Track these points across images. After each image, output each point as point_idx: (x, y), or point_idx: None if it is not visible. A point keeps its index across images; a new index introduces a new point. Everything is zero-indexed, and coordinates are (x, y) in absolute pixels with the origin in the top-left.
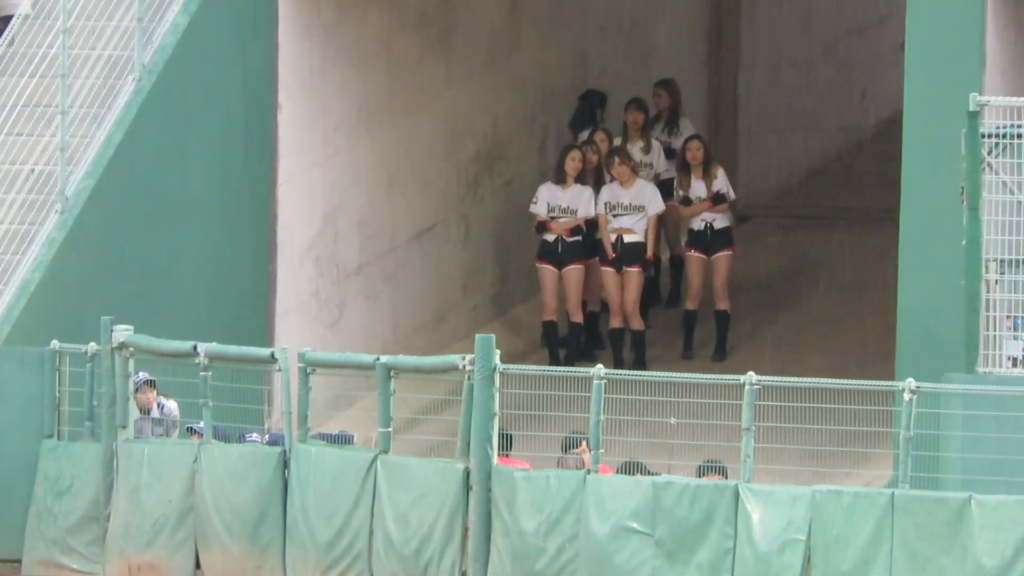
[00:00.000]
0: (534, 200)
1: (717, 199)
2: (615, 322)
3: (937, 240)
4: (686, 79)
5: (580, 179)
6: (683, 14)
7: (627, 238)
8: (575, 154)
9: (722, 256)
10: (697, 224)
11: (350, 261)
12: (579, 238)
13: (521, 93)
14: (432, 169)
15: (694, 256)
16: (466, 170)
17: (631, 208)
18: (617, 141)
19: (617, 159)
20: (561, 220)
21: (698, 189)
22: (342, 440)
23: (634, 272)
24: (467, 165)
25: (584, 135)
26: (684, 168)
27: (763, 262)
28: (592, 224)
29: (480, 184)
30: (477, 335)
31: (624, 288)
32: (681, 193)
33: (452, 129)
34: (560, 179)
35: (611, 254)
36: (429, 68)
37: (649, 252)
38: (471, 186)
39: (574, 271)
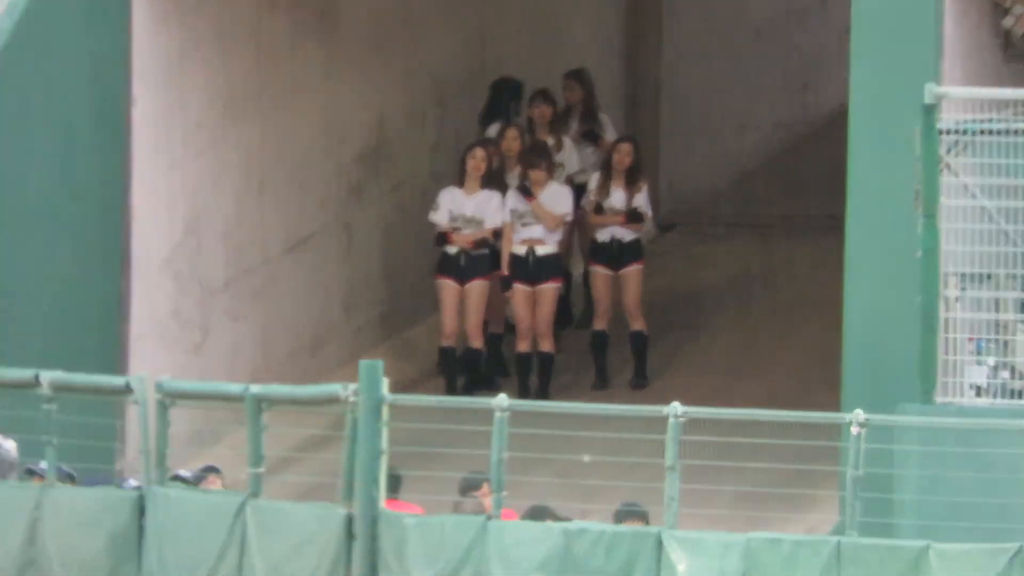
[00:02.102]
0: (434, 207)
1: (632, 217)
2: (522, 346)
3: (888, 251)
4: (601, 70)
5: (486, 182)
6: None
7: (540, 250)
8: (478, 153)
9: (631, 271)
10: (602, 235)
11: (215, 276)
12: (485, 251)
13: (412, 84)
14: (309, 171)
15: (598, 271)
16: (349, 172)
17: (542, 213)
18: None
19: (542, 161)
20: (465, 231)
21: (616, 199)
22: (204, 475)
23: (548, 288)
24: (350, 166)
25: (493, 130)
26: (606, 171)
27: (689, 276)
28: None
29: (365, 188)
30: (362, 361)
31: (536, 306)
32: (594, 199)
33: (332, 125)
34: (463, 183)
35: (504, 270)
36: (305, 55)
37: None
38: (354, 190)
39: (478, 287)
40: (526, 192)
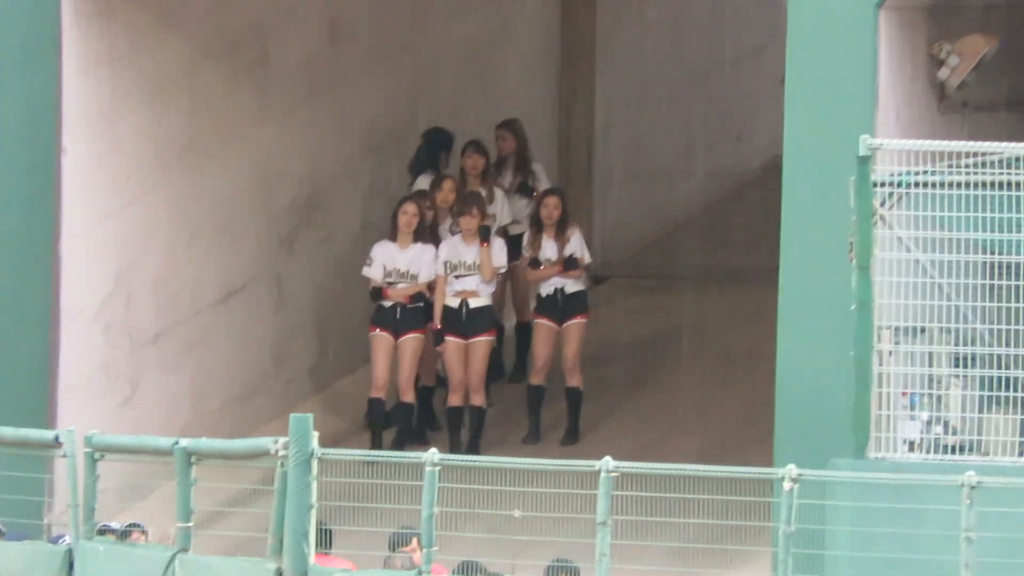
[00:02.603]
0: (368, 262)
1: (569, 264)
2: (454, 399)
3: (822, 304)
4: (535, 119)
5: (419, 235)
6: (531, 45)
7: (473, 302)
8: (408, 208)
9: (574, 324)
10: (546, 289)
11: (145, 328)
12: (420, 304)
13: (344, 133)
14: (241, 221)
15: (543, 324)
16: (280, 222)
17: (476, 267)
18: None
19: (475, 209)
20: (400, 286)
21: (549, 250)
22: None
23: (481, 342)
24: (282, 216)
25: (423, 181)
26: (536, 225)
27: (622, 329)
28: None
29: (297, 239)
30: (292, 414)
31: (469, 360)
32: (529, 254)
33: (264, 174)
34: (395, 237)
35: (437, 323)
36: (238, 103)
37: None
38: (286, 241)
39: (412, 341)
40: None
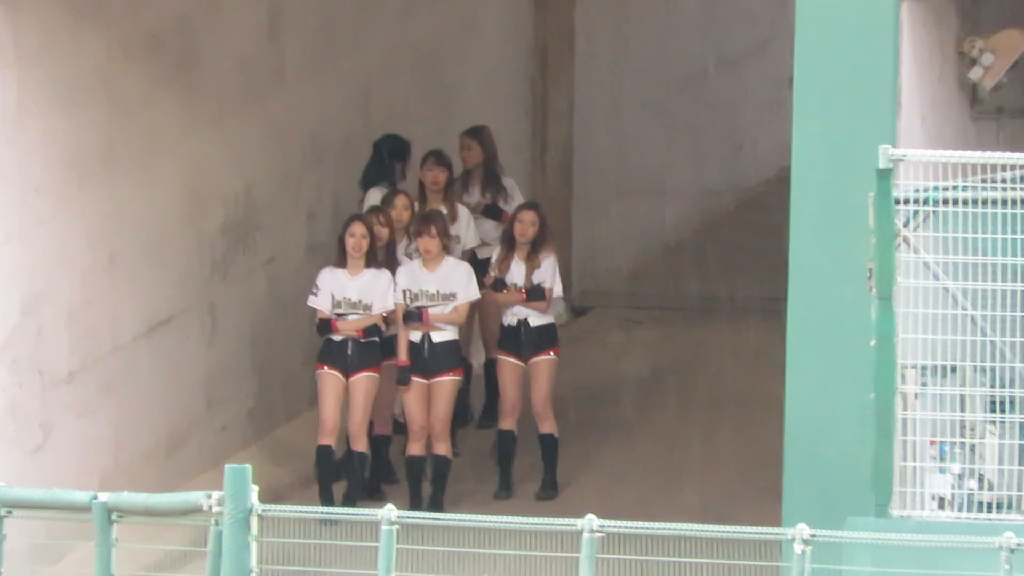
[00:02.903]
0: (313, 290)
1: (533, 293)
2: (414, 448)
3: (837, 339)
4: (505, 127)
5: (371, 260)
6: (499, 42)
7: (436, 336)
8: (356, 230)
9: (541, 362)
10: (509, 318)
11: (58, 366)
12: (375, 339)
13: (285, 143)
14: (167, 243)
15: (505, 361)
16: (213, 244)
17: (439, 297)
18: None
19: (434, 228)
20: (351, 318)
21: (517, 274)
22: None
23: (446, 381)
24: (214, 238)
25: (375, 196)
26: (508, 241)
27: (606, 367)
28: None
29: (231, 263)
30: (227, 465)
31: (432, 402)
32: (494, 274)
33: (194, 190)
34: (344, 262)
35: (403, 359)
36: (163, 109)
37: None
38: (219, 266)
39: (365, 381)
40: (500, 287)
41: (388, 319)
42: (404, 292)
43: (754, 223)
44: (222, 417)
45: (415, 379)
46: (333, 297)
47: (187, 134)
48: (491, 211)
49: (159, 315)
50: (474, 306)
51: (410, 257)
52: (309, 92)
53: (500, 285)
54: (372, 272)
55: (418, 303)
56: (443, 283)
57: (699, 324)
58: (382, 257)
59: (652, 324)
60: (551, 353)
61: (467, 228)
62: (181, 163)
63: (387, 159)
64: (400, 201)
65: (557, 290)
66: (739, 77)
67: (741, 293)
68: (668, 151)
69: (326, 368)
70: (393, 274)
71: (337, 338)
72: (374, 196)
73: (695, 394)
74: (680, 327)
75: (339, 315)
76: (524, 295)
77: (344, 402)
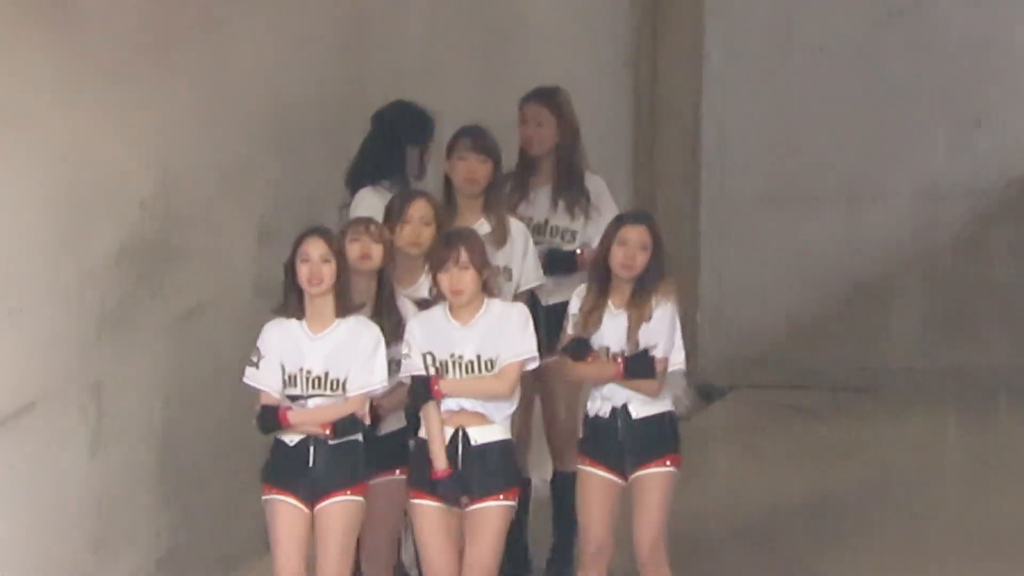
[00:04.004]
0: (252, 358)
1: (639, 364)
2: None
3: None
4: (588, 95)
5: (343, 301)
6: None
7: (475, 433)
8: (313, 249)
9: (651, 477)
10: (597, 404)
11: None
12: (357, 437)
13: (220, 117)
14: (26, 282)
15: (590, 474)
16: (100, 284)
17: (481, 365)
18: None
19: (467, 254)
20: (313, 403)
21: (612, 332)
22: None
23: (492, 509)
24: (102, 273)
25: (370, 201)
26: (599, 279)
27: (757, 489)
28: (404, 400)
29: (131, 315)
30: None
31: (469, 544)
32: (573, 332)
33: (71, 194)
34: (301, 309)
35: (440, 466)
36: (31, 68)
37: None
38: (110, 319)
39: (341, 509)
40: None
41: (379, 404)
42: (425, 356)
43: (1002, 244)
44: (117, 568)
45: (435, 504)
46: (284, 369)
47: (66, 105)
48: (557, 259)
49: (18, 398)
50: (534, 380)
51: (426, 301)
52: (262, 34)
53: (583, 349)
54: (349, 324)
55: (446, 375)
56: (485, 342)
57: (914, 413)
58: (368, 297)
59: (833, 414)
60: (667, 463)
61: (524, 255)
62: (50, 149)
63: (395, 142)
64: (419, 210)
65: (677, 358)
66: (982, 10)
67: (984, 361)
68: (859, 129)
69: (276, 492)
70: (390, 323)
71: (291, 439)
72: (369, 202)
73: (912, 532)
74: (881, 418)
75: (293, 399)
76: (623, 366)
77: (311, 543)
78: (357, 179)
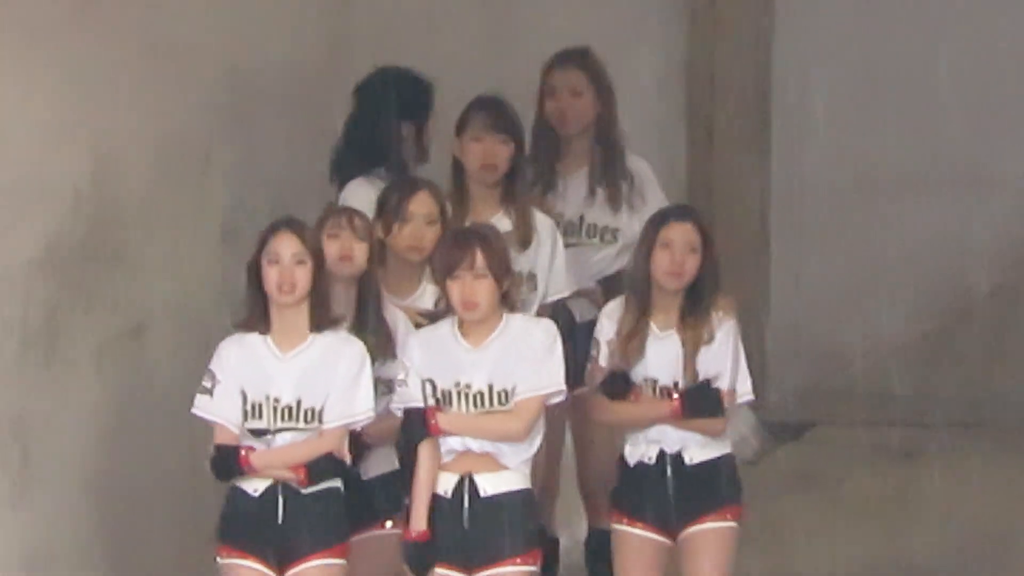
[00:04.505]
0: (205, 382)
1: (697, 400)
2: None
3: None
4: (626, 60)
5: (319, 311)
6: None
7: (485, 482)
8: (284, 247)
9: (707, 534)
10: (641, 447)
11: None
12: (336, 484)
13: (168, 86)
14: None
15: (632, 535)
16: (18, 299)
17: (494, 397)
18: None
19: (483, 258)
20: (282, 439)
21: (659, 359)
22: None
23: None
24: (20, 284)
25: (361, 193)
26: (639, 292)
27: (839, 547)
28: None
29: (58, 338)
30: None
31: None
32: (605, 362)
33: None
34: (267, 323)
35: (418, 526)
36: None
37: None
38: (33, 345)
39: (321, 574)
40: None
41: (364, 433)
42: (425, 384)
43: None
44: None
45: (444, 571)
46: (245, 397)
47: None
48: (610, 287)
49: None
50: (560, 415)
51: (432, 316)
52: None
53: (623, 385)
54: (326, 340)
55: (449, 407)
56: (499, 369)
57: None
58: (348, 306)
59: (937, 457)
60: (727, 516)
61: (552, 258)
62: None
63: (386, 119)
64: (422, 205)
65: (744, 388)
66: None
67: None
68: (969, 102)
69: (235, 554)
70: (377, 340)
71: (255, 487)
72: (361, 196)
73: None
74: (998, 463)
75: (257, 435)
76: (682, 403)
77: None
78: (344, 169)
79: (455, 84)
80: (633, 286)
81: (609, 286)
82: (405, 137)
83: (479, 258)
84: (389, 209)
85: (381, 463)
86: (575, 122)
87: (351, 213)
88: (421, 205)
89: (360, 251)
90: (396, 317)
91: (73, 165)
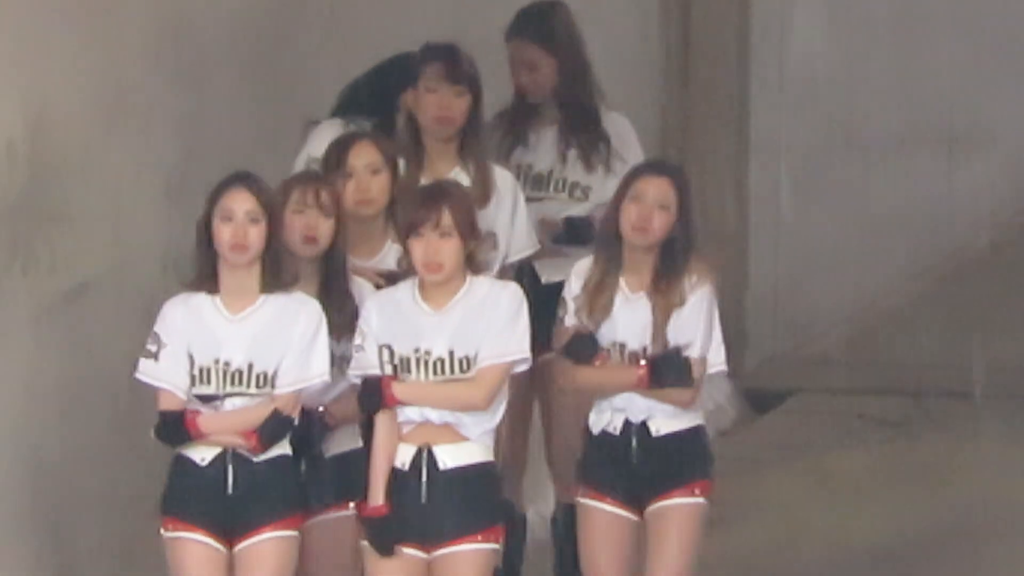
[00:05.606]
0: (150, 346)
1: (667, 368)
2: None
3: None
4: (605, 10)
5: (272, 273)
6: None
7: (444, 453)
8: (237, 203)
9: (676, 509)
10: (606, 418)
11: None
12: (287, 452)
13: (113, 30)
14: None
15: (597, 510)
16: None
17: (455, 364)
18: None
19: (448, 215)
20: (231, 405)
21: (627, 323)
22: None
23: (467, 554)
24: None
25: (327, 134)
26: (608, 250)
27: (821, 521)
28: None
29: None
30: None
31: None
32: (571, 322)
33: None
34: (215, 283)
35: (376, 499)
36: None
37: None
38: None
39: (271, 548)
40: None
41: (327, 411)
42: (382, 350)
43: None
44: None
45: (406, 549)
46: (193, 360)
47: None
48: (575, 228)
49: None
50: (526, 383)
51: (395, 276)
52: None
53: (589, 348)
54: (279, 301)
55: (409, 371)
56: (461, 335)
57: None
58: (312, 282)
59: (923, 427)
60: (694, 491)
61: (513, 214)
62: None
63: (384, 98)
64: (362, 155)
65: (717, 359)
66: None
67: None
68: (961, 53)
69: (182, 527)
70: (342, 317)
71: (202, 455)
72: (325, 136)
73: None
74: (986, 433)
75: (205, 400)
76: (649, 371)
77: None
78: (346, 104)
79: (418, 42)
80: (602, 241)
81: (576, 229)
82: (398, 101)
83: (445, 216)
84: (330, 167)
85: (343, 441)
86: (535, 94)
87: (318, 187)
88: (360, 156)
89: (326, 229)
90: (363, 291)
91: (7, 116)
